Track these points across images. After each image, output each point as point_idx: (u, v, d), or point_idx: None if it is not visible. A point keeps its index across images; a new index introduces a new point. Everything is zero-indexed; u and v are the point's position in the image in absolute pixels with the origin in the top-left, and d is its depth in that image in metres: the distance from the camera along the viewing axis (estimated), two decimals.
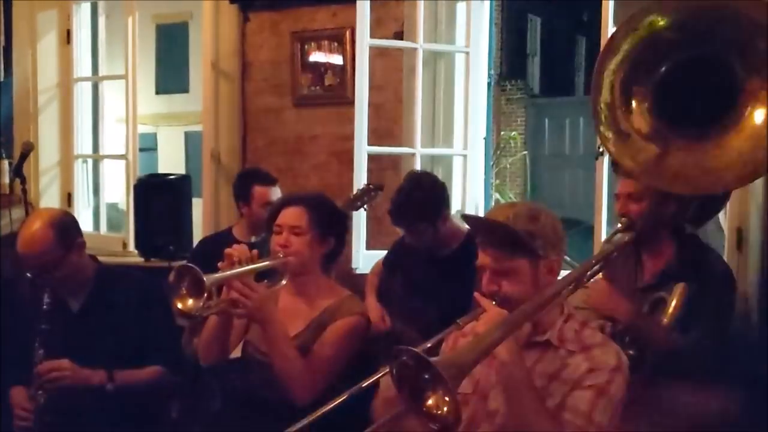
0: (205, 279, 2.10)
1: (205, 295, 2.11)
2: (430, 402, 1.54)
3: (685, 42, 2.50)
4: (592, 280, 2.56)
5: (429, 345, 1.81)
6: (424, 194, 3.21)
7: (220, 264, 2.27)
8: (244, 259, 2.27)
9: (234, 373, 2.46)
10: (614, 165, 2.68)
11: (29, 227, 2.58)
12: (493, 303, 1.84)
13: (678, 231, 2.65)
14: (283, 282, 2.39)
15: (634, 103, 2.56)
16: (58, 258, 2.57)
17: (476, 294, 1.88)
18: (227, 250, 2.29)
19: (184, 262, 2.16)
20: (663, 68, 2.54)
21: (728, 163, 2.41)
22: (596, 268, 2.37)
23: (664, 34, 2.53)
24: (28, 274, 2.60)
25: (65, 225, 2.63)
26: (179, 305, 2.13)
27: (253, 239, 3.71)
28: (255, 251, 2.32)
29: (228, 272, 2.23)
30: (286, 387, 2.31)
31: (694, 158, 2.46)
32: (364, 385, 1.93)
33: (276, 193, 3.74)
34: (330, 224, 2.49)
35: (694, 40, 2.49)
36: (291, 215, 2.44)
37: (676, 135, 2.52)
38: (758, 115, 2.38)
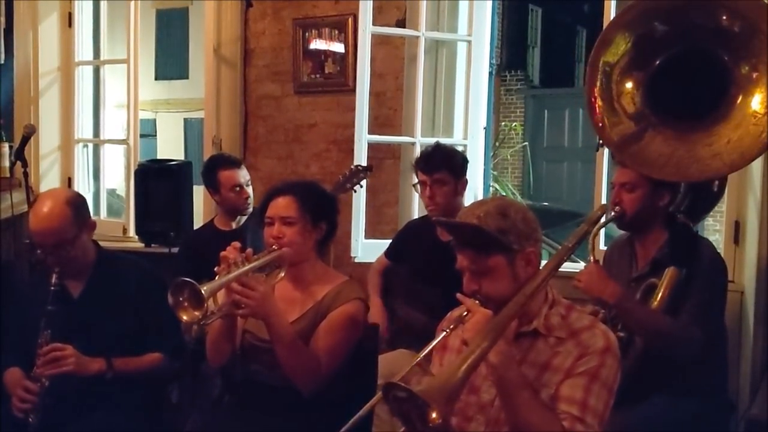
0: (203, 291, 2.11)
1: (206, 305, 2.12)
2: (434, 415, 1.60)
3: (677, 35, 2.52)
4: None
5: (420, 358, 1.87)
6: (452, 149, 3.41)
7: (216, 268, 2.25)
8: (240, 260, 2.27)
9: (233, 361, 2.46)
10: (613, 156, 2.70)
11: (44, 205, 2.57)
12: (477, 302, 1.86)
13: (670, 221, 2.68)
14: (282, 275, 2.39)
15: (629, 84, 2.59)
16: (74, 236, 2.57)
17: (459, 295, 1.90)
18: (222, 254, 2.28)
19: (178, 279, 2.15)
20: (659, 60, 2.56)
21: (717, 151, 2.44)
22: (574, 248, 2.38)
23: (659, 27, 2.55)
24: (39, 251, 2.60)
25: (80, 204, 2.65)
26: (184, 317, 2.15)
27: (233, 226, 3.73)
28: (249, 250, 2.31)
29: (225, 278, 2.23)
30: (291, 377, 2.32)
31: (685, 148, 2.49)
32: (361, 414, 1.98)
33: (242, 174, 3.74)
34: (320, 210, 2.48)
35: (684, 32, 2.51)
36: (281, 206, 2.43)
37: (665, 126, 2.54)
38: (748, 102, 2.42)
